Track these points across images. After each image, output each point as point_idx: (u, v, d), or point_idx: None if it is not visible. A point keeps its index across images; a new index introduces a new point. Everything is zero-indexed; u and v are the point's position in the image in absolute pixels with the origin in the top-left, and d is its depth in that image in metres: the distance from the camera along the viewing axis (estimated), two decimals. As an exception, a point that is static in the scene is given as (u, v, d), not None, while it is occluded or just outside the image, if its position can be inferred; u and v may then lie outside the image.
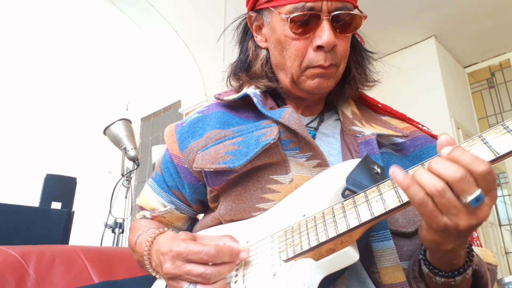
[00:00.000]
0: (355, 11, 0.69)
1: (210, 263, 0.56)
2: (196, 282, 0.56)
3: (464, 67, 4.49)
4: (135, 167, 2.69)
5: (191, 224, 0.87)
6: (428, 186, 0.44)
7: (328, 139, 0.75)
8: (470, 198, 0.42)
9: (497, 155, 0.43)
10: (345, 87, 0.78)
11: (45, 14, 4.06)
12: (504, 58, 4.25)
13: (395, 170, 0.46)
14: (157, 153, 3.06)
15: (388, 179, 0.50)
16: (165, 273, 0.59)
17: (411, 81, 3.95)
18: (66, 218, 1.87)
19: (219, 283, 0.56)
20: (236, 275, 0.58)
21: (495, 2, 3.50)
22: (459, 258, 0.52)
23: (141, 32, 2.89)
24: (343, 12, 0.67)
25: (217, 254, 0.55)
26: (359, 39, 0.79)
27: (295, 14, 0.67)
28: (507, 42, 4.08)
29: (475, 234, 0.71)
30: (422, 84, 3.92)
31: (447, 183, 0.43)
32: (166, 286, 0.70)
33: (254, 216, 0.66)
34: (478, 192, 0.42)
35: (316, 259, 0.52)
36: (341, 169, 0.60)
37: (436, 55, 3.92)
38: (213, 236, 0.61)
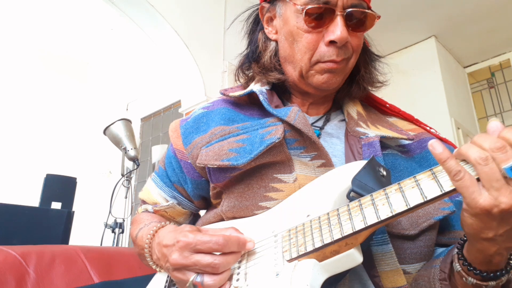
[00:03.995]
0: (369, 11, 0.69)
1: (217, 253, 0.56)
2: (204, 272, 0.56)
3: (464, 67, 4.49)
4: (135, 167, 2.68)
5: (193, 220, 0.87)
6: (471, 155, 0.43)
7: (332, 139, 0.74)
8: (507, 166, 0.40)
9: None
10: (353, 87, 0.77)
11: (46, 14, 4.06)
12: (504, 58, 4.25)
13: (434, 143, 0.45)
14: (157, 153, 3.06)
15: (396, 183, 0.50)
16: (172, 264, 0.58)
17: (411, 81, 3.95)
18: (66, 218, 1.86)
19: (225, 273, 0.56)
20: (238, 273, 0.58)
21: (495, 2, 3.50)
22: (501, 257, 0.47)
23: (141, 32, 2.89)
24: (358, 9, 0.67)
25: (226, 243, 0.55)
26: (366, 43, 0.79)
27: (310, 6, 0.67)
28: (507, 42, 4.08)
29: None
30: (422, 84, 3.92)
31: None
32: (167, 280, 0.70)
33: (257, 214, 0.66)
34: None
35: (320, 260, 0.52)
36: (347, 170, 0.59)
37: (436, 55, 3.92)
38: (216, 228, 0.61)
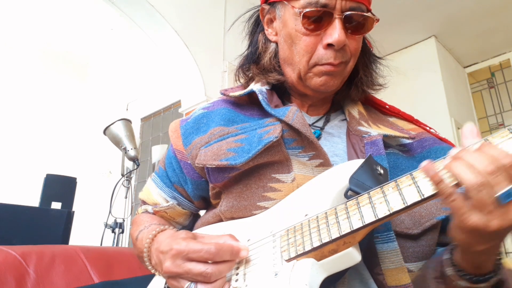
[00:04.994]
0: (369, 14, 0.69)
1: (210, 262, 0.56)
2: (196, 281, 0.56)
3: (464, 67, 4.49)
4: (135, 167, 2.68)
5: (193, 220, 0.87)
6: (466, 180, 0.42)
7: (334, 139, 0.74)
8: (500, 192, 0.41)
9: None
10: (352, 89, 0.78)
11: (46, 14, 4.06)
12: (504, 58, 4.25)
13: (427, 166, 0.45)
14: (157, 153, 3.06)
15: (392, 181, 0.50)
16: (165, 272, 0.59)
17: (411, 81, 3.95)
18: (66, 218, 1.87)
19: (219, 281, 0.56)
20: (237, 274, 0.58)
21: (495, 2, 3.50)
22: (491, 262, 0.50)
23: (141, 32, 2.89)
24: (356, 12, 0.67)
25: (218, 252, 0.55)
26: (368, 44, 0.79)
27: (308, 10, 0.67)
28: (507, 42, 4.08)
29: None
30: (422, 84, 3.92)
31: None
32: (165, 283, 0.70)
33: (255, 214, 0.66)
34: (509, 187, 0.41)
35: (318, 260, 0.52)
36: (344, 169, 0.59)
37: (436, 55, 3.91)
38: (213, 235, 0.61)
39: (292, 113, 0.69)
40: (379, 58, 0.81)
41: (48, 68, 4.67)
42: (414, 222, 0.63)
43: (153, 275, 0.74)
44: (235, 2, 3.22)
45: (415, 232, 0.63)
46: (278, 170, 0.66)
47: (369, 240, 0.60)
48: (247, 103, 0.79)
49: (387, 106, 0.81)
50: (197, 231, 0.75)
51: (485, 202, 0.42)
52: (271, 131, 0.67)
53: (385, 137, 0.69)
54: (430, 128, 0.78)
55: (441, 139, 0.76)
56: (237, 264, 0.59)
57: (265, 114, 0.74)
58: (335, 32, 0.66)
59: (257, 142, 0.66)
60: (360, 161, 0.58)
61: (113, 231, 2.52)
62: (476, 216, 0.43)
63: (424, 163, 0.46)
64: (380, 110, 0.82)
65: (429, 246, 0.64)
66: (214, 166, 0.67)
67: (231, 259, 0.57)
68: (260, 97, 0.73)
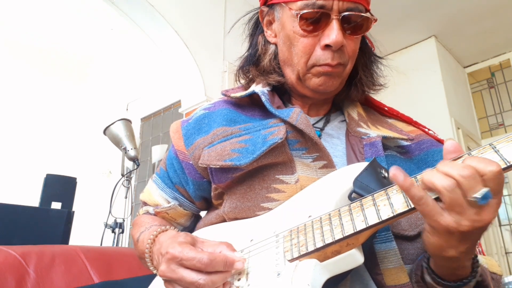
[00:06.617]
0: (366, 14, 0.69)
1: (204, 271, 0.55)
2: None
3: (464, 67, 4.49)
4: (135, 167, 2.69)
5: (195, 221, 0.87)
6: (437, 183, 0.44)
7: (333, 140, 0.74)
8: (477, 195, 0.42)
9: (508, 164, 0.43)
10: (351, 89, 0.78)
11: (46, 14, 4.06)
12: (504, 58, 4.25)
13: (396, 172, 0.46)
14: (157, 153, 3.06)
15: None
16: (160, 275, 0.59)
17: (411, 81, 3.95)
18: (66, 218, 1.86)
19: None
20: (240, 273, 0.58)
21: (495, 2, 3.50)
22: (464, 269, 0.51)
23: (141, 32, 2.89)
24: (353, 13, 0.67)
25: (210, 263, 0.55)
26: (369, 43, 0.79)
27: (305, 11, 0.67)
28: (507, 42, 4.08)
29: None
30: (422, 84, 3.92)
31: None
32: None
33: (259, 215, 0.66)
34: (485, 190, 0.42)
35: (321, 260, 0.52)
36: (348, 172, 0.59)
37: (436, 55, 3.92)
38: (212, 242, 0.61)
39: (296, 114, 0.69)
40: (379, 58, 0.81)
41: (48, 68, 4.66)
42: (410, 224, 0.64)
43: (153, 275, 0.74)
44: (235, 2, 3.22)
45: (411, 234, 0.63)
46: (282, 171, 0.66)
47: (370, 242, 0.60)
48: (248, 104, 0.79)
49: (386, 108, 0.81)
50: (200, 231, 0.75)
51: (457, 202, 0.43)
52: (276, 132, 0.67)
53: (384, 139, 0.69)
54: (429, 129, 0.78)
55: (439, 141, 0.76)
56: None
57: (267, 114, 0.74)
58: (333, 33, 0.66)
59: (261, 143, 0.66)
60: (365, 164, 0.58)
61: (113, 231, 2.52)
62: (448, 216, 0.44)
63: (393, 169, 0.47)
64: (379, 112, 0.83)
65: (423, 249, 0.64)
66: (218, 167, 0.67)
67: (225, 270, 0.56)
68: (263, 98, 0.73)
